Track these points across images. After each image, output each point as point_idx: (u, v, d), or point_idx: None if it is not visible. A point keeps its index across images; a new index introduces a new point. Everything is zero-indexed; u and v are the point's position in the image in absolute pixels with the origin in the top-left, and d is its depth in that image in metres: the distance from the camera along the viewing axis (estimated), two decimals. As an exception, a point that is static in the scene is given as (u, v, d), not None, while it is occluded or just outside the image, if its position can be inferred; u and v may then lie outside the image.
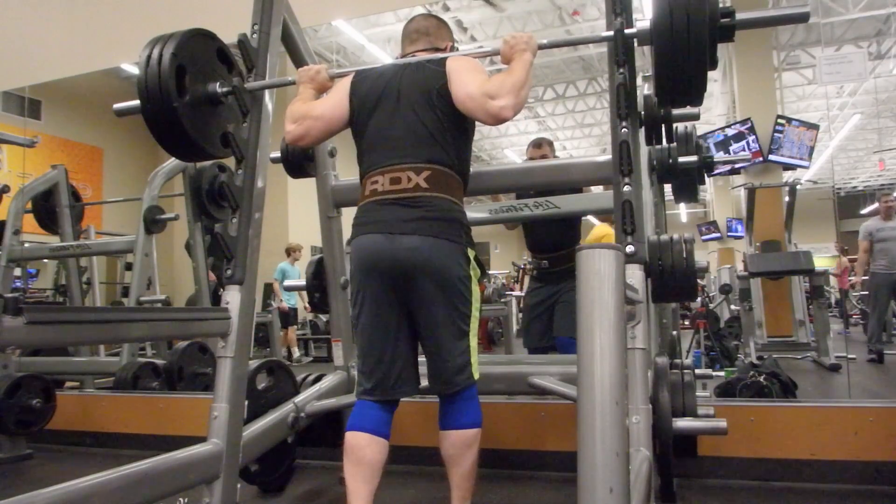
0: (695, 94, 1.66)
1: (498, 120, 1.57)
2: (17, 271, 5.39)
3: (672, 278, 1.76)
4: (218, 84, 1.94)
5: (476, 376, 1.72)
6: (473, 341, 1.72)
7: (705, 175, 2.82)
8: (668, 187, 3.02)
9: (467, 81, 1.62)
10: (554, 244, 3.14)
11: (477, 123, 1.77)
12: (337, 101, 1.80)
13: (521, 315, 9.31)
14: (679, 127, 2.56)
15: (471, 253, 1.71)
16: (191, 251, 4.54)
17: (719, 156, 6.21)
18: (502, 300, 8.80)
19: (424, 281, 1.63)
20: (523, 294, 5.12)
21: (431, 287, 1.63)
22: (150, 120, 1.83)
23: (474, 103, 1.59)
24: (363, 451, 1.65)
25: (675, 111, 2.20)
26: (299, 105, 1.82)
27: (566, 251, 3.08)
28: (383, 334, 1.70)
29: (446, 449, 1.70)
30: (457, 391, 1.70)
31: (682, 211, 15.14)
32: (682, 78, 1.60)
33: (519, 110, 1.59)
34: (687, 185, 2.75)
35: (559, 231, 3.09)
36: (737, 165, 6.43)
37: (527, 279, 11.06)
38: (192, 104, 1.86)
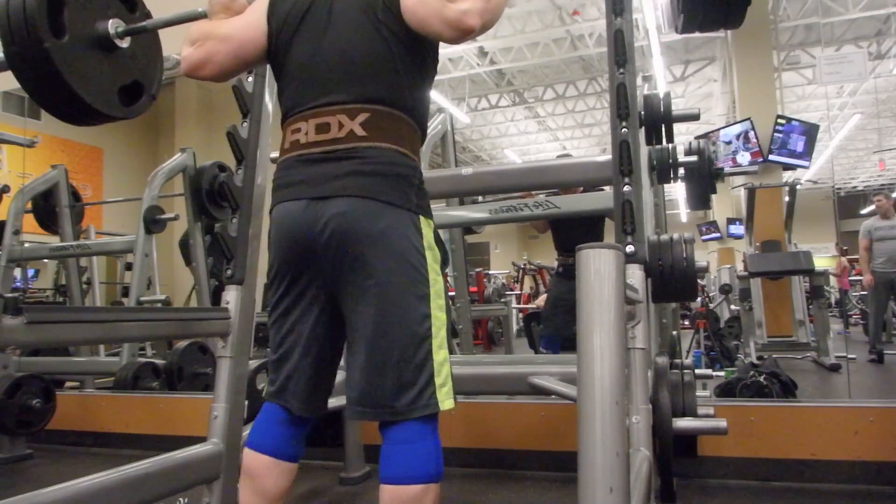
0: (735, 10, 1.28)
1: (459, 31, 1.17)
2: (17, 271, 5.39)
3: (672, 278, 1.77)
4: (110, 22, 1.54)
5: (445, 405, 1.20)
6: (440, 354, 1.21)
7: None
8: (668, 188, 3.06)
9: None
10: (578, 243, 3.26)
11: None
12: (251, 19, 1.35)
13: (520, 315, 9.32)
14: (693, 143, 2.61)
15: (425, 223, 1.25)
16: (185, 249, 4.54)
17: (728, 165, 6.37)
18: (502, 300, 8.81)
19: (355, 257, 1.19)
20: (547, 292, 5.22)
21: (364, 264, 1.18)
22: (17, 67, 1.42)
23: (427, 9, 1.18)
24: (263, 480, 1.27)
25: (675, 111, 2.20)
26: (202, 24, 1.40)
27: None
28: (300, 328, 1.28)
29: None
30: (397, 421, 1.18)
31: (682, 211, 15.15)
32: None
33: (488, 22, 1.19)
34: (700, 194, 2.84)
35: (583, 231, 3.34)
36: (743, 171, 6.54)
37: (527, 279, 11.14)
38: (73, 46, 1.45)
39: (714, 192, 3.02)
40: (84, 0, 1.50)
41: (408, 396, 1.17)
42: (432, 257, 1.25)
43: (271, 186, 1.35)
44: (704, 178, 2.76)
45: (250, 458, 1.29)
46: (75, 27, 1.46)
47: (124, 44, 1.57)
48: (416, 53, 1.28)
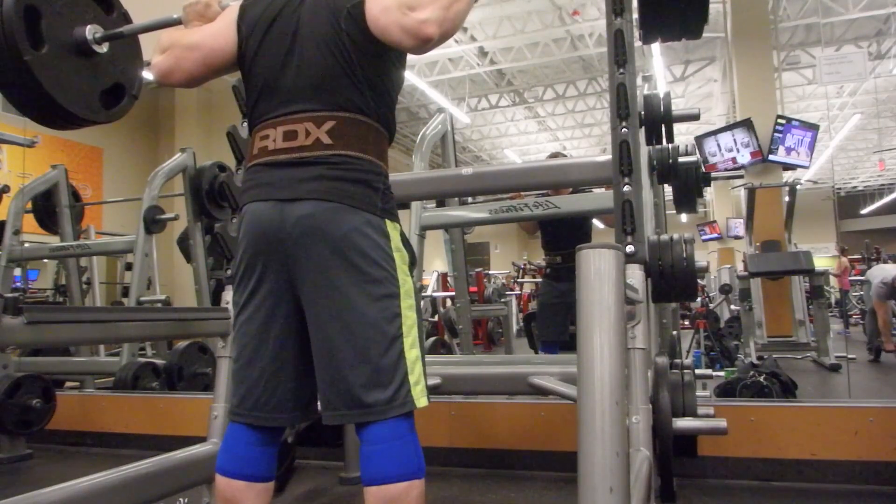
0: (692, 18, 1.24)
1: (419, 40, 1.19)
2: (17, 271, 5.39)
3: (672, 278, 1.76)
4: (88, 28, 1.54)
5: (420, 402, 1.22)
6: (412, 353, 1.23)
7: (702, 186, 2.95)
8: (668, 189, 3.07)
9: None
10: (567, 241, 3.40)
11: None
12: (220, 27, 1.37)
13: (520, 315, 9.32)
14: (680, 146, 2.61)
15: (392, 227, 1.27)
16: (184, 247, 4.53)
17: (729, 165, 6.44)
18: (502, 300, 8.81)
19: (322, 259, 1.21)
20: (538, 294, 5.25)
21: (332, 265, 1.20)
22: None
23: (388, 18, 1.20)
24: None
25: (675, 111, 2.19)
26: (171, 32, 1.42)
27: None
28: (265, 332, 1.26)
29: None
30: (374, 422, 1.18)
31: (682, 211, 15.16)
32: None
33: (448, 30, 1.21)
34: (686, 196, 2.85)
35: (572, 228, 3.41)
36: (732, 176, 6.59)
37: (527, 278, 11.14)
38: (52, 56, 1.47)
39: (701, 195, 3.05)
40: (60, 8, 1.50)
41: (383, 395, 1.18)
42: (401, 258, 1.27)
43: (240, 189, 1.37)
44: (692, 182, 2.78)
45: (224, 484, 1.25)
46: (53, 37, 1.47)
47: (103, 49, 1.58)
48: (378, 61, 1.29)
